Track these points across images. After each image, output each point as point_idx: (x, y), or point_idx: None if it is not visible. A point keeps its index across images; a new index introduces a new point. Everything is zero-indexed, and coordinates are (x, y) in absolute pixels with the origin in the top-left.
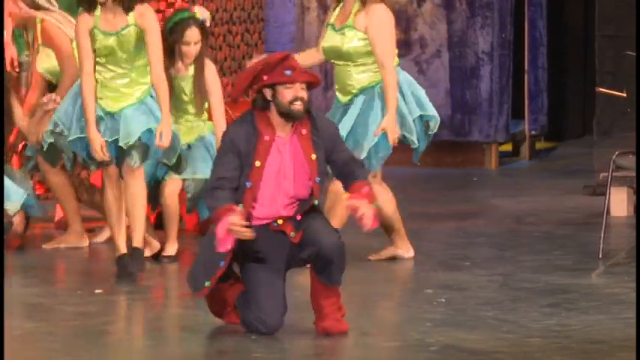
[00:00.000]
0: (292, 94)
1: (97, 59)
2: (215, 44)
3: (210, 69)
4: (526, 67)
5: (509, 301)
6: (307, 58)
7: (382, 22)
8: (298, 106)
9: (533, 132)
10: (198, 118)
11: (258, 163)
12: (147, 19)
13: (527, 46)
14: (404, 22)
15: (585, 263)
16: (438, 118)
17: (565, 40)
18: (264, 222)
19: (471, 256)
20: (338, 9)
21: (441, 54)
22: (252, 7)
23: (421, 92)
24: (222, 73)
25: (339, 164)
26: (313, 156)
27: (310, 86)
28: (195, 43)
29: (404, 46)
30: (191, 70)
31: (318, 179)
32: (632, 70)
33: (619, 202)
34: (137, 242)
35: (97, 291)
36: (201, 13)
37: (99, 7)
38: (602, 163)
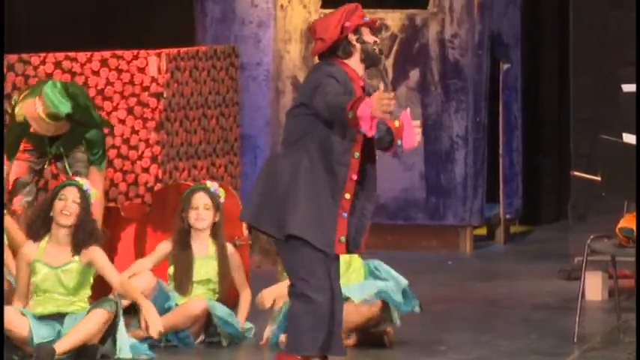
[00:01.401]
0: (373, 37)
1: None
2: (190, 128)
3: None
4: (501, 151)
5: None
6: None
7: None
8: (379, 48)
9: (508, 216)
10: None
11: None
12: (94, 257)
13: (501, 129)
14: None
15: (561, 347)
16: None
17: (540, 124)
18: None
19: (446, 341)
20: None
21: None
22: (227, 90)
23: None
24: (197, 156)
25: None
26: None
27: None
28: (206, 208)
29: None
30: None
31: (376, 135)
32: (608, 153)
33: (594, 287)
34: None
35: None
36: (212, 184)
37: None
38: (577, 247)
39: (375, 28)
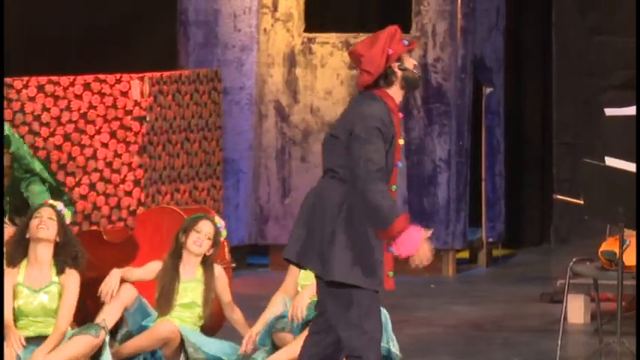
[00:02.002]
0: (412, 61)
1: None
2: (173, 151)
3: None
4: (483, 175)
5: None
6: (275, 305)
7: None
8: (419, 73)
9: (490, 239)
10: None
11: (401, 142)
12: (68, 281)
13: (484, 153)
14: None
15: None
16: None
17: (522, 148)
18: None
19: None
20: None
21: None
22: (210, 114)
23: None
24: (180, 180)
25: None
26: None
27: None
28: (208, 237)
29: None
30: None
31: (399, 163)
32: (590, 177)
33: (576, 310)
34: None
35: None
36: (219, 221)
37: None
38: (560, 270)
39: (415, 46)
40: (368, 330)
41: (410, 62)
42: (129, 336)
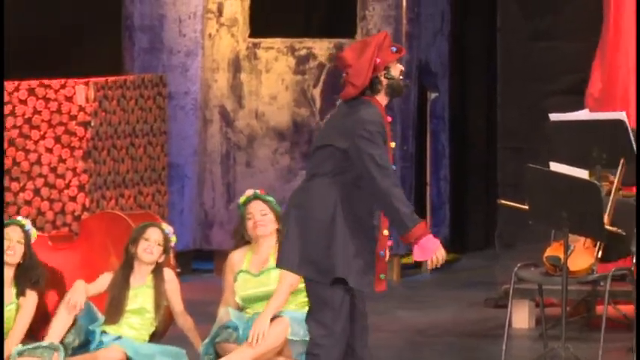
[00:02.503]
0: (399, 69)
1: None
2: (117, 157)
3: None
4: (428, 180)
5: None
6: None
7: None
8: (405, 81)
9: None
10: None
11: (392, 144)
12: (26, 301)
13: (429, 158)
14: (306, 134)
15: None
16: None
17: (467, 153)
18: None
19: None
20: (247, 257)
21: None
22: (155, 119)
23: None
24: (124, 185)
25: None
26: (392, 144)
27: None
28: (158, 244)
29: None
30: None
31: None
32: (535, 182)
33: (521, 315)
34: None
35: None
36: (167, 228)
37: None
38: (504, 275)
39: (404, 54)
40: (336, 331)
41: (397, 70)
42: (76, 346)
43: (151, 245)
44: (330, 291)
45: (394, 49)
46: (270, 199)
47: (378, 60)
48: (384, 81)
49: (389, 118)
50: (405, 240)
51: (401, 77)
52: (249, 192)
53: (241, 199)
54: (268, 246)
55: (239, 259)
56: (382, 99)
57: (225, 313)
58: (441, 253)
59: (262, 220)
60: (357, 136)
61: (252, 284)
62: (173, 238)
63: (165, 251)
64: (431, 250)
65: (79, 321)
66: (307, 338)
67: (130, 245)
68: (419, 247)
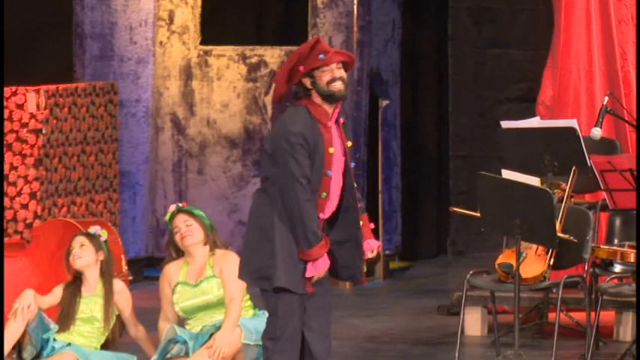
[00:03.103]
0: (330, 75)
1: None
2: (69, 164)
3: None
4: (380, 188)
5: None
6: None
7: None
8: (339, 85)
9: (387, 252)
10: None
11: (332, 150)
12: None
13: (380, 166)
14: (258, 142)
15: None
16: None
17: (419, 161)
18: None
19: None
20: (183, 268)
21: None
22: (106, 127)
23: None
24: (76, 192)
25: None
26: (349, 143)
27: (346, 66)
28: (81, 245)
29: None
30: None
31: (353, 164)
32: (486, 190)
33: (473, 322)
34: None
35: None
36: (94, 229)
37: None
38: (457, 282)
39: (333, 62)
40: (281, 337)
41: (325, 77)
42: (35, 355)
43: (75, 252)
44: (274, 298)
45: (322, 55)
46: (195, 209)
47: (301, 68)
48: (311, 88)
49: (329, 124)
50: (304, 256)
51: (333, 83)
52: (172, 207)
53: (167, 216)
54: (203, 255)
55: (175, 271)
56: (322, 103)
57: (170, 329)
58: (324, 271)
59: (187, 230)
60: (278, 147)
61: (191, 294)
62: (103, 233)
63: (98, 249)
64: (321, 269)
65: (31, 333)
66: (260, 342)
67: (67, 257)
68: (313, 266)
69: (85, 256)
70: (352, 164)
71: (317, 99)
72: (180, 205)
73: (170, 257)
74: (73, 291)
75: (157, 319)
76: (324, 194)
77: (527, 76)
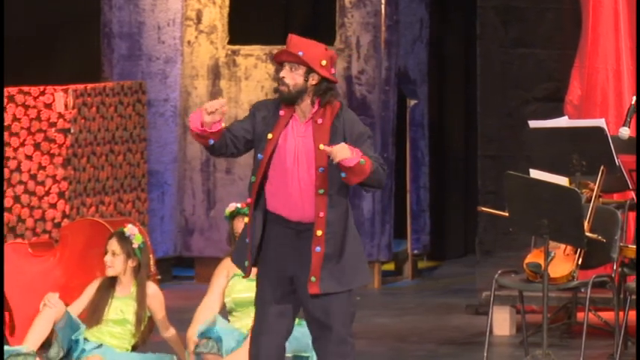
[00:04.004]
0: (279, 75)
1: None
2: (97, 164)
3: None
4: (408, 187)
5: None
6: (205, 315)
7: None
8: (281, 87)
9: (415, 251)
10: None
11: (270, 136)
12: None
13: (408, 166)
14: None
15: None
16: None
17: (447, 160)
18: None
19: None
20: None
21: None
22: (135, 126)
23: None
24: (104, 192)
25: None
26: (321, 146)
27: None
28: (114, 254)
29: None
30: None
31: (321, 169)
32: (514, 189)
33: (501, 322)
34: None
35: None
36: (130, 230)
37: None
38: (485, 282)
39: (279, 61)
40: (255, 329)
41: (280, 73)
42: (62, 357)
43: (107, 258)
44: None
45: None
46: None
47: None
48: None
49: (281, 112)
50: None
51: (280, 82)
52: (232, 206)
53: (226, 212)
54: None
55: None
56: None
57: (213, 318)
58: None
59: None
60: None
61: (245, 288)
62: (138, 237)
63: (131, 255)
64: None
65: (59, 332)
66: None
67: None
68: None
69: (115, 266)
70: (320, 169)
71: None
72: (239, 206)
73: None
74: (106, 289)
75: (185, 319)
76: (253, 178)
77: (554, 76)
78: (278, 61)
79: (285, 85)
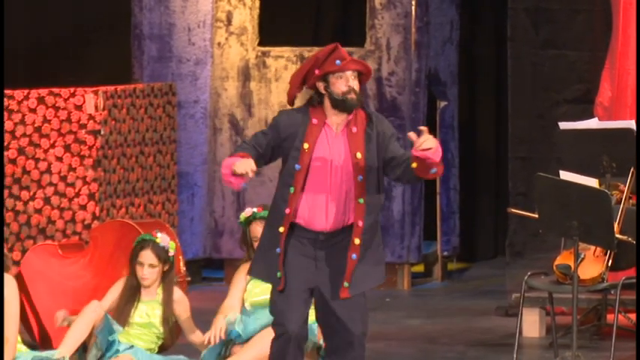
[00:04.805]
0: (344, 83)
1: None
2: (127, 165)
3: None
4: (438, 189)
5: None
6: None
7: None
8: (351, 95)
9: (445, 253)
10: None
11: (306, 146)
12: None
13: None
14: None
15: None
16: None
17: (477, 162)
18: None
19: None
20: None
21: None
22: (165, 128)
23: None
24: (134, 193)
25: (397, 158)
26: (359, 154)
27: (362, 77)
28: (152, 267)
29: None
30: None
31: (360, 177)
32: (545, 191)
33: (531, 324)
34: None
35: None
36: (162, 239)
37: None
38: (515, 284)
39: (349, 69)
40: (275, 326)
41: (339, 84)
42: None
43: (145, 271)
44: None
45: (338, 61)
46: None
47: (317, 71)
48: (324, 92)
49: (314, 121)
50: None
51: (343, 96)
52: (249, 211)
53: (241, 218)
54: None
55: None
56: (329, 111)
57: (233, 315)
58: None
59: None
60: None
61: (261, 290)
62: (172, 245)
63: (165, 263)
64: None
65: (98, 335)
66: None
67: (132, 261)
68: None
69: (151, 277)
70: (359, 177)
71: (327, 104)
72: (255, 210)
73: (247, 257)
74: (133, 291)
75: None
76: (292, 189)
77: (585, 78)
78: (352, 69)
79: (355, 93)
